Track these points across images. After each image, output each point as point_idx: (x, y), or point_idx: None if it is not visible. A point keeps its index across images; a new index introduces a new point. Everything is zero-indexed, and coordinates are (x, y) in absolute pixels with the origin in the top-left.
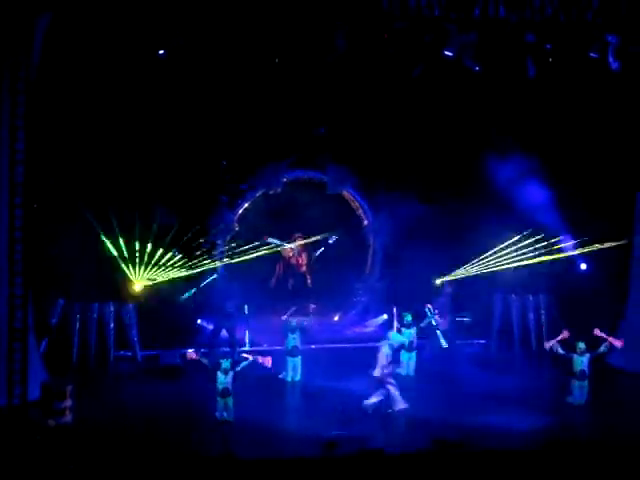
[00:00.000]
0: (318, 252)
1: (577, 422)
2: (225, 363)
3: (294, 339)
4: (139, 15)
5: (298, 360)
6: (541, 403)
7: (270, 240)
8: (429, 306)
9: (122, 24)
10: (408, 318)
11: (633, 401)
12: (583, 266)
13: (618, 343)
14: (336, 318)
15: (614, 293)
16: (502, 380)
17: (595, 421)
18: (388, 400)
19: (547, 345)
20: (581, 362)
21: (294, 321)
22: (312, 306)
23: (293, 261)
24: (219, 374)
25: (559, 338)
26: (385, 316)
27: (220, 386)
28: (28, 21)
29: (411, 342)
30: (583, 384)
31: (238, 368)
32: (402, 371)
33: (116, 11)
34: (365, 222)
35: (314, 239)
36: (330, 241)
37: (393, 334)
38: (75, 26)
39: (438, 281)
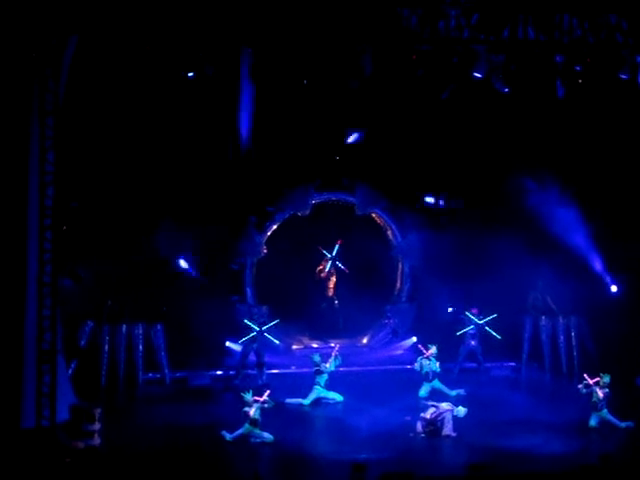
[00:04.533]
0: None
1: (604, 447)
2: (247, 396)
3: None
4: (167, 37)
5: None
6: (570, 427)
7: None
8: (473, 311)
9: (148, 46)
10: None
11: None
12: (614, 288)
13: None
14: (365, 340)
15: None
16: (532, 403)
17: (622, 446)
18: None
19: (580, 386)
20: (597, 395)
21: (317, 356)
22: (336, 346)
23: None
24: (246, 408)
25: (593, 381)
26: (414, 338)
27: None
28: (56, 44)
29: (427, 373)
30: (601, 414)
31: (266, 405)
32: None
33: (143, 34)
34: (394, 243)
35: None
36: None
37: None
38: (101, 48)
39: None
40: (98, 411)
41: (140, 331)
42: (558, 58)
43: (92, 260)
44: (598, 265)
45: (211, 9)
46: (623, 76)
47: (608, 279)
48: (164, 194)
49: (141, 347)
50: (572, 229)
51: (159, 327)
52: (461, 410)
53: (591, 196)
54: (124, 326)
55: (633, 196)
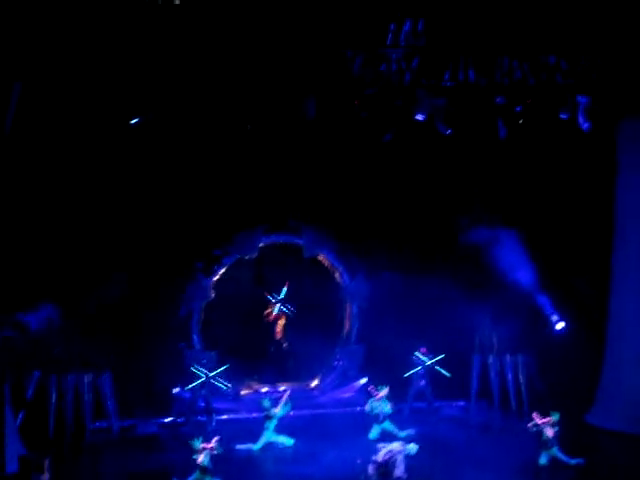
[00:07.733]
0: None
1: None
2: (196, 443)
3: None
4: (111, 83)
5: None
6: (520, 465)
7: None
8: (422, 351)
9: (94, 92)
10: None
11: (608, 462)
12: (560, 325)
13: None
14: (314, 383)
15: (592, 351)
16: (482, 442)
17: None
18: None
19: (530, 425)
20: (547, 433)
21: (266, 401)
22: (287, 392)
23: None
24: (195, 456)
25: (542, 420)
26: (365, 380)
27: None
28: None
29: (377, 415)
30: (551, 452)
31: (216, 452)
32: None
33: (88, 81)
34: (342, 285)
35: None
36: None
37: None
38: (45, 94)
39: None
40: (47, 461)
41: (87, 380)
42: (499, 100)
43: (38, 308)
44: (544, 303)
45: None
46: (563, 116)
47: (554, 316)
48: (113, 239)
49: (87, 396)
50: (517, 267)
51: (106, 375)
52: (413, 448)
53: (535, 234)
54: (72, 375)
55: (576, 234)
